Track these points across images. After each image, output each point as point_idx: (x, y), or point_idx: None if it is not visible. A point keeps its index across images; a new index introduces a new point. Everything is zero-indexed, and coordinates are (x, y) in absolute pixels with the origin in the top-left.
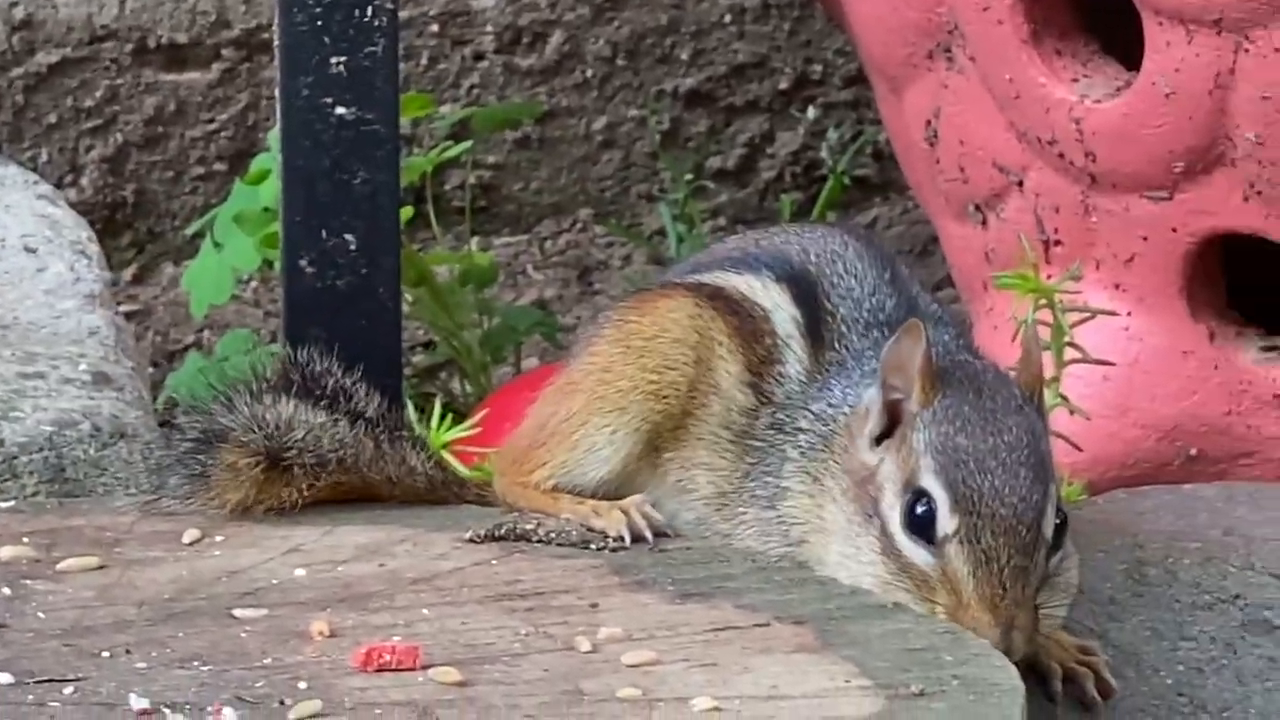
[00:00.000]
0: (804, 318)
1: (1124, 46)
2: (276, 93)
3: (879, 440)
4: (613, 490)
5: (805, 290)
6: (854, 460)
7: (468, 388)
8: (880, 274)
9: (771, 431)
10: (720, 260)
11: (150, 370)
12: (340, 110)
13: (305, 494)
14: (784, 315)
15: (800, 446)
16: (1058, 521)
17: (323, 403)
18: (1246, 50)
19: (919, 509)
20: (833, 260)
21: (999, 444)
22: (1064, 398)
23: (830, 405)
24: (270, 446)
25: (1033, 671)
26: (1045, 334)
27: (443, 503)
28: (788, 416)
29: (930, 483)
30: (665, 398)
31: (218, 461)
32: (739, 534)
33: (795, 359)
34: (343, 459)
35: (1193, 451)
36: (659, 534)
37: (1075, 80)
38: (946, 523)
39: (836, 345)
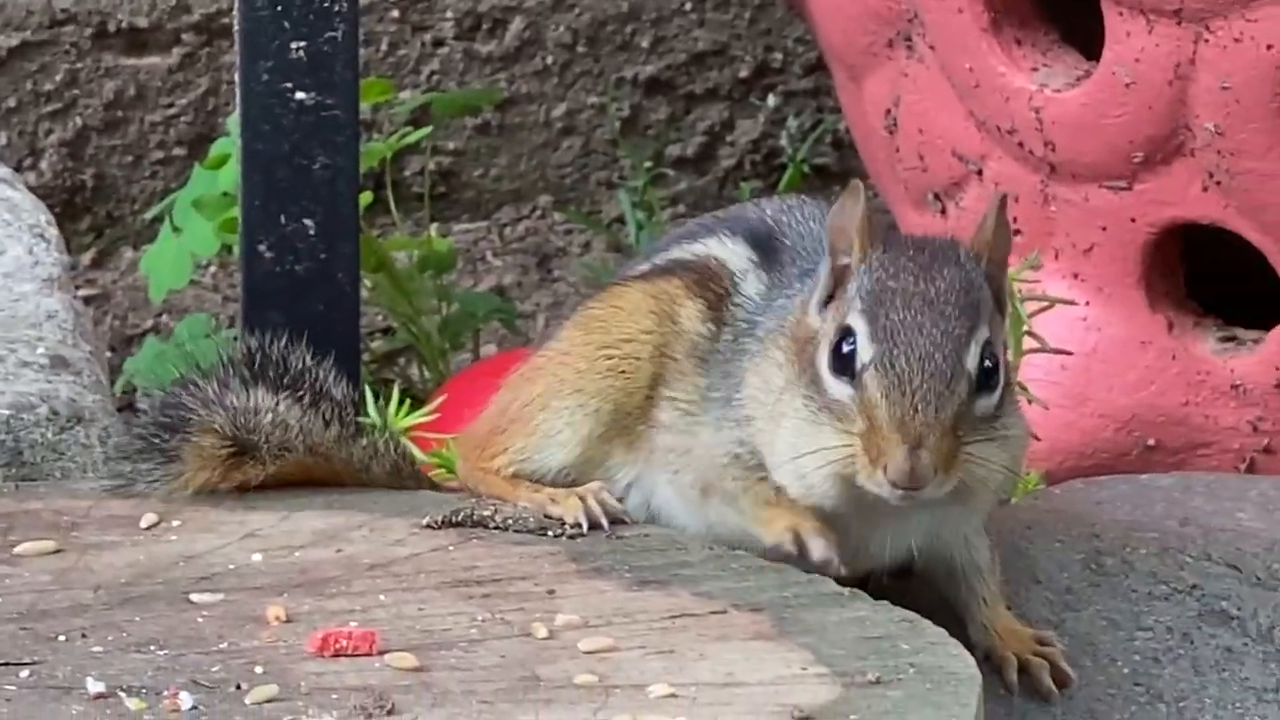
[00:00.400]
0: (759, 255)
1: (1084, 36)
2: (236, 77)
3: (826, 303)
4: (574, 477)
5: (761, 237)
6: (801, 327)
7: (426, 374)
8: None
9: (732, 341)
10: (677, 237)
11: (109, 354)
12: (300, 95)
13: (269, 473)
14: (740, 257)
15: (760, 340)
16: (988, 365)
17: (288, 388)
18: (1206, 40)
19: (844, 347)
20: (789, 210)
21: (929, 288)
22: (1022, 386)
23: (788, 299)
24: (238, 433)
25: (989, 661)
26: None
27: (403, 488)
28: (748, 325)
29: (855, 320)
30: (624, 372)
31: (185, 446)
32: (699, 441)
33: (753, 284)
34: (308, 444)
35: (1150, 441)
36: (616, 521)
37: (1035, 69)
38: (865, 352)
39: (795, 260)
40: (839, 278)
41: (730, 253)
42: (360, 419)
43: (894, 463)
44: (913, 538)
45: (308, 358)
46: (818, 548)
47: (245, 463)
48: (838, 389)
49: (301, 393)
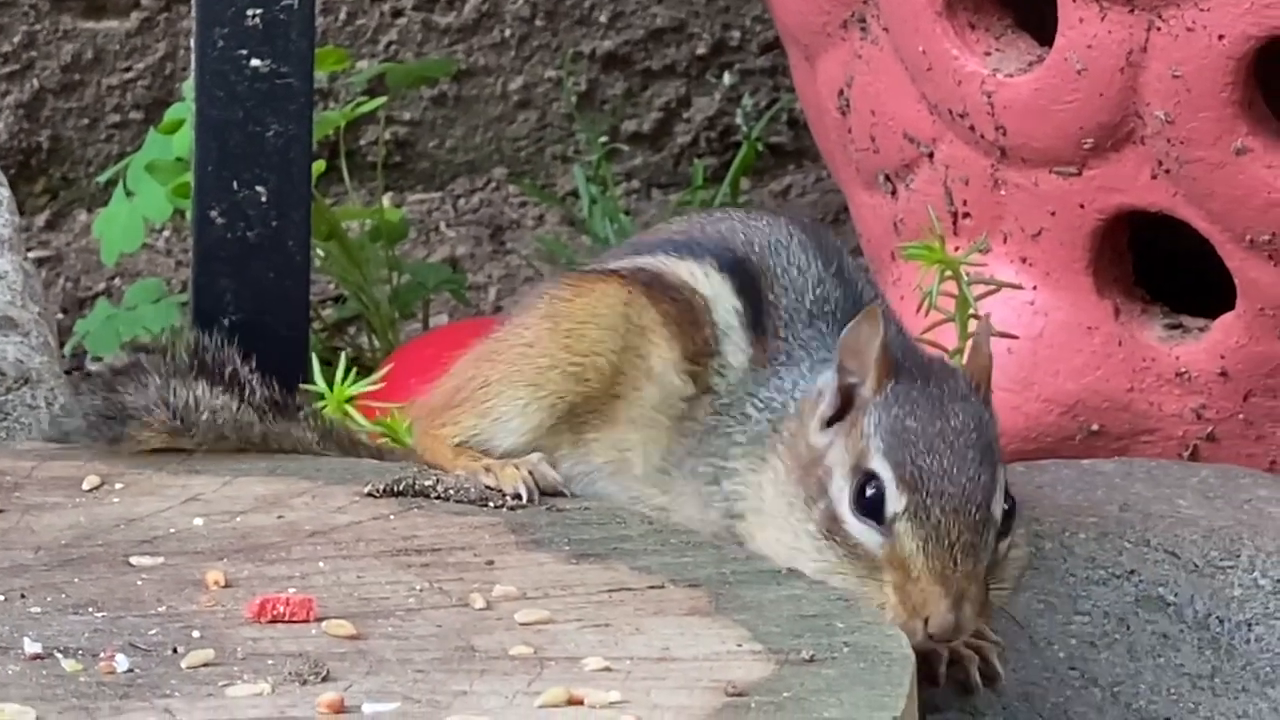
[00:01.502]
0: (745, 309)
1: (1038, 21)
2: (192, 43)
3: (830, 423)
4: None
5: (748, 281)
6: (801, 444)
7: (376, 343)
8: (826, 266)
9: (715, 417)
10: (663, 243)
11: (60, 316)
12: (255, 62)
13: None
14: (725, 306)
15: (747, 432)
16: (1006, 507)
17: (223, 384)
18: (1158, 28)
19: (868, 490)
20: (776, 251)
21: (947, 427)
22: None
23: (779, 392)
24: (176, 427)
25: (919, 652)
26: (950, 305)
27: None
28: (733, 403)
29: (879, 464)
30: (586, 380)
31: (124, 435)
32: (678, 504)
33: (736, 349)
34: (242, 438)
35: (1094, 427)
36: (555, 494)
37: (988, 54)
38: (895, 501)
39: (781, 334)
40: (846, 397)
41: (714, 293)
42: (304, 388)
43: (938, 617)
44: None
45: (238, 357)
46: None
47: (180, 442)
48: (864, 535)
49: (237, 390)
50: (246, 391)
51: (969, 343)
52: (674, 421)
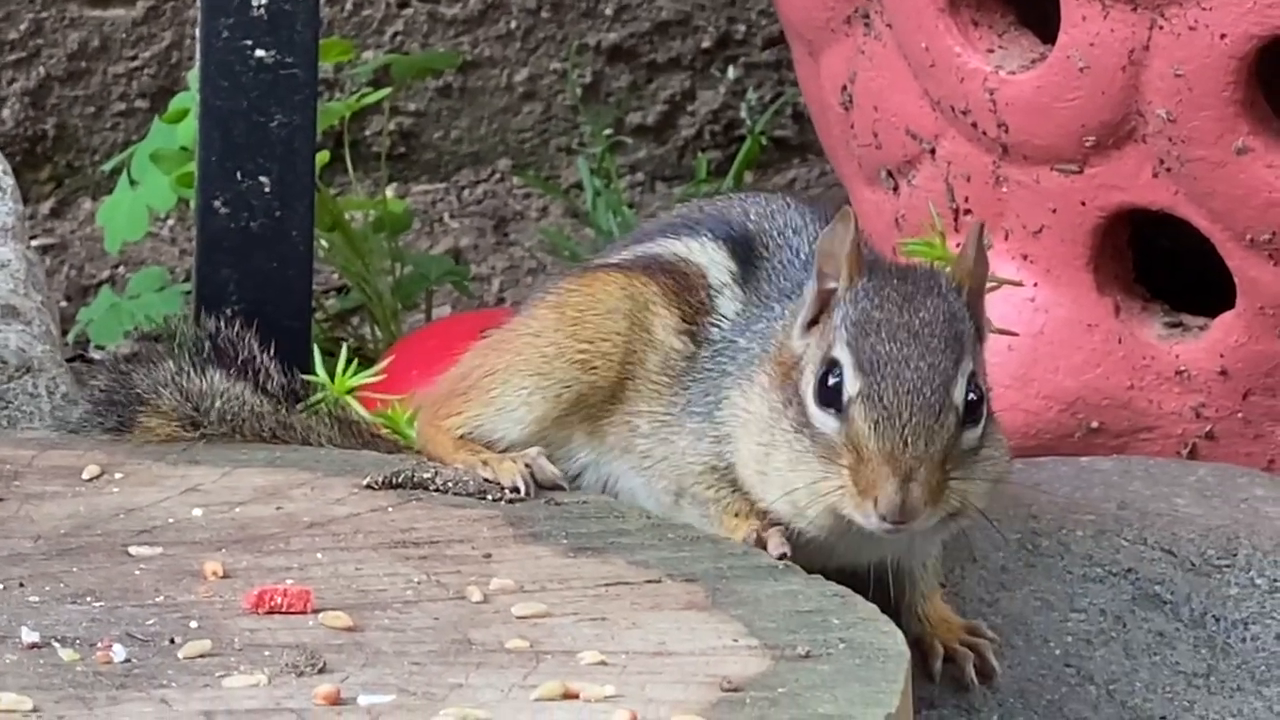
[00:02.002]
0: (739, 268)
1: (1040, 19)
2: (197, 33)
3: (809, 327)
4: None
5: (742, 245)
6: (784, 351)
7: (379, 333)
8: (821, 226)
9: (712, 360)
10: (662, 227)
11: (64, 304)
12: (260, 53)
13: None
14: (719, 268)
15: (738, 361)
16: (972, 397)
17: (237, 371)
18: (1161, 27)
19: (830, 379)
20: (772, 216)
21: (913, 319)
22: None
23: (769, 321)
24: (189, 413)
25: (918, 648)
26: None
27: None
28: (727, 344)
29: (840, 351)
30: (594, 368)
31: (133, 421)
32: (677, 448)
33: (730, 301)
34: (255, 428)
35: (1094, 424)
36: (553, 487)
37: (990, 51)
38: (851, 385)
39: (775, 279)
40: (824, 302)
41: (710, 260)
42: (306, 378)
43: (884, 496)
44: (889, 551)
45: (255, 343)
46: (775, 545)
47: (189, 434)
48: (824, 421)
49: (250, 378)
50: (261, 379)
51: (960, 247)
52: (675, 378)
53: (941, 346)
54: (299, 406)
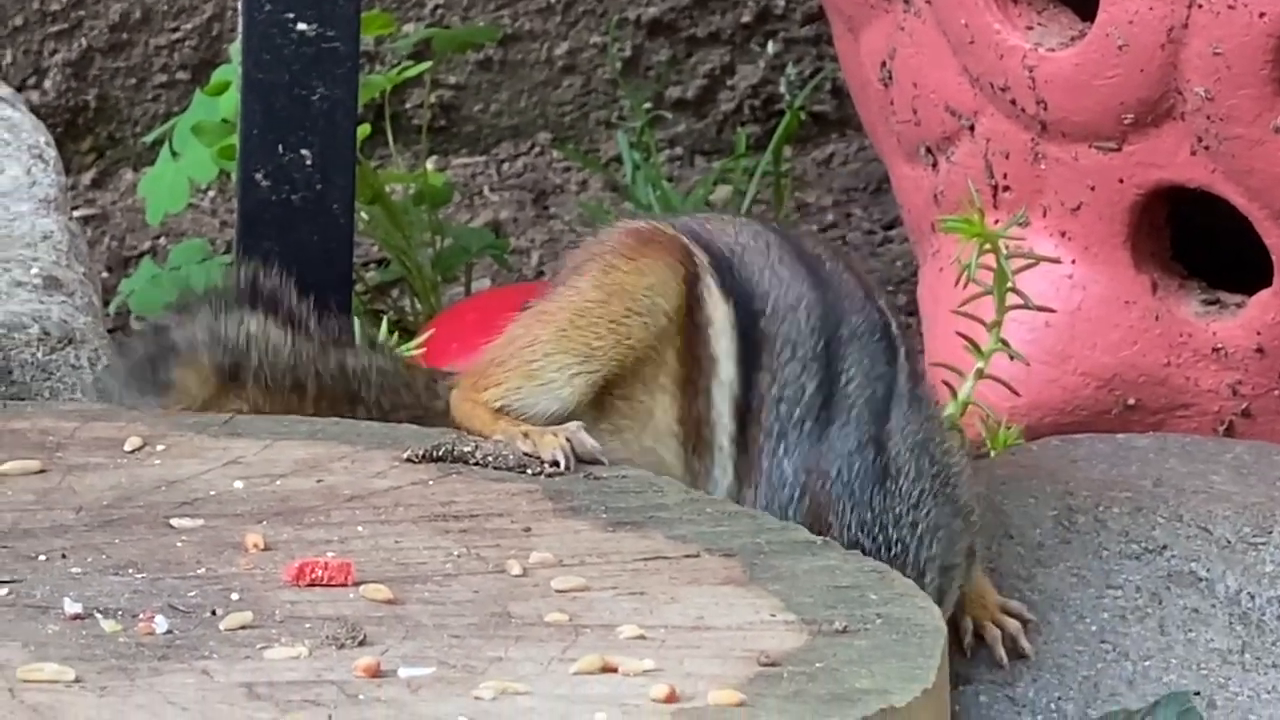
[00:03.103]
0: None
1: None
2: (239, 6)
3: None
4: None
5: (746, 325)
6: None
7: (418, 306)
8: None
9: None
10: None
11: (105, 275)
12: (301, 26)
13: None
14: (727, 365)
15: None
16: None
17: (278, 318)
18: (1200, 5)
19: None
20: (770, 279)
21: None
22: (1004, 342)
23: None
24: (226, 365)
25: (953, 626)
26: (988, 279)
27: (401, 404)
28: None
29: None
30: (632, 347)
31: (174, 375)
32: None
33: (721, 466)
34: (296, 376)
35: (1130, 401)
36: (593, 461)
37: (1030, 28)
38: None
39: (767, 405)
40: None
41: (719, 330)
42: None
43: None
44: None
45: (294, 290)
46: None
47: (232, 393)
48: None
49: (294, 324)
50: (300, 321)
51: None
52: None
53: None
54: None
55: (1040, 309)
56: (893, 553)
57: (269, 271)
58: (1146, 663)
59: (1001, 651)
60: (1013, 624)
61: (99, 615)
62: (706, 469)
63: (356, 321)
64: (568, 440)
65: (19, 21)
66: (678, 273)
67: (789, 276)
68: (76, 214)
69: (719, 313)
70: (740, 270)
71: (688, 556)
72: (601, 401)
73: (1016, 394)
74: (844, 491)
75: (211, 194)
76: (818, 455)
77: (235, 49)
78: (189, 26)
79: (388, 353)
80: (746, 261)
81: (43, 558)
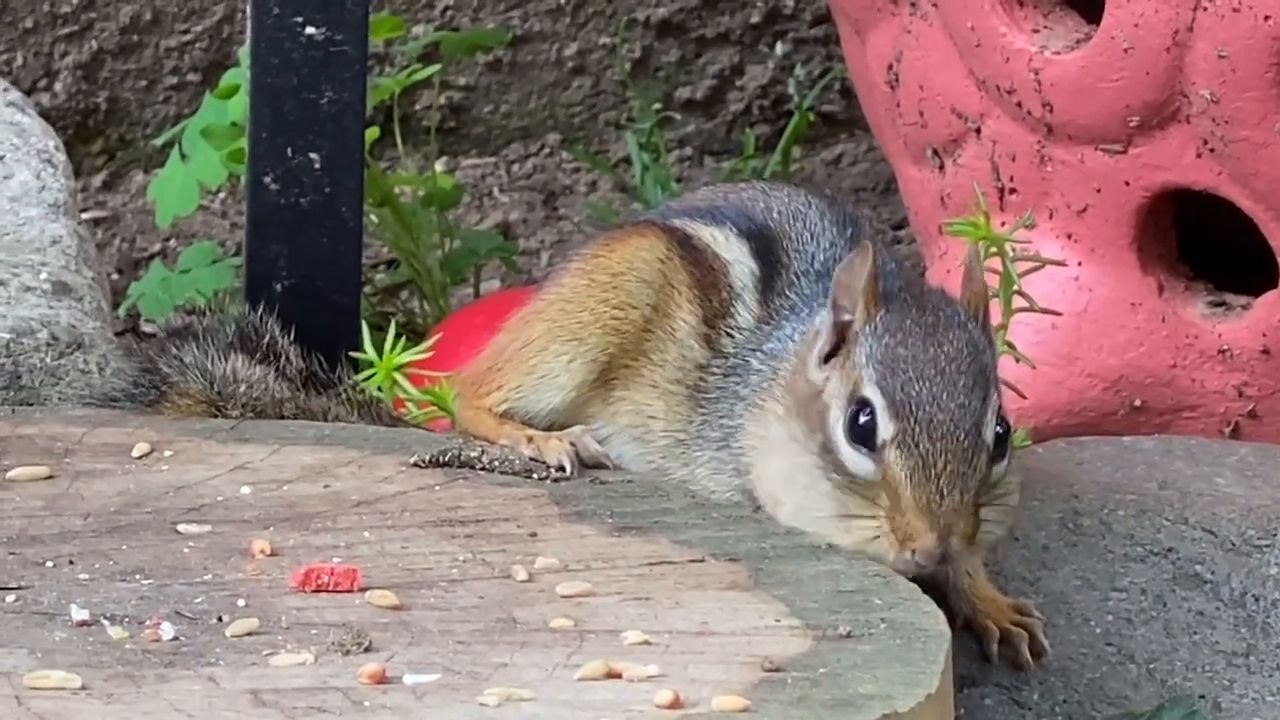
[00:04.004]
0: (760, 271)
1: (1086, 0)
2: (248, 10)
3: (827, 359)
4: (562, 421)
5: (764, 245)
6: (801, 381)
7: (427, 308)
8: (841, 232)
9: (723, 379)
10: (689, 209)
11: (116, 277)
12: (310, 30)
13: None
14: (742, 268)
15: (750, 385)
16: (999, 431)
17: (260, 356)
18: (1205, 8)
19: (862, 418)
20: (794, 218)
21: (938, 354)
22: (1010, 345)
23: (780, 341)
24: (213, 398)
25: (968, 629)
26: (995, 282)
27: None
28: (740, 362)
29: (871, 391)
30: (624, 332)
31: (164, 402)
32: (695, 475)
33: (747, 310)
34: (275, 412)
35: (1137, 402)
36: (597, 466)
37: (1036, 31)
38: (886, 428)
39: (788, 293)
40: (840, 334)
41: (734, 257)
42: (353, 355)
43: (923, 549)
44: None
45: (277, 328)
46: None
47: (215, 414)
48: (857, 463)
49: (274, 359)
50: (282, 363)
51: (962, 270)
52: (690, 393)
53: (969, 384)
54: (329, 389)
55: (1046, 311)
56: None
57: (262, 313)
58: (1152, 665)
59: (1026, 652)
60: (1032, 623)
61: (106, 622)
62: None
63: (365, 326)
64: (572, 445)
65: (29, 24)
66: (658, 245)
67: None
68: (87, 216)
69: (736, 253)
70: (755, 219)
71: (693, 561)
72: (609, 381)
73: (1023, 396)
74: None
75: (222, 196)
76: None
77: (244, 53)
78: (199, 29)
79: (371, 402)
80: (766, 205)
81: (50, 564)
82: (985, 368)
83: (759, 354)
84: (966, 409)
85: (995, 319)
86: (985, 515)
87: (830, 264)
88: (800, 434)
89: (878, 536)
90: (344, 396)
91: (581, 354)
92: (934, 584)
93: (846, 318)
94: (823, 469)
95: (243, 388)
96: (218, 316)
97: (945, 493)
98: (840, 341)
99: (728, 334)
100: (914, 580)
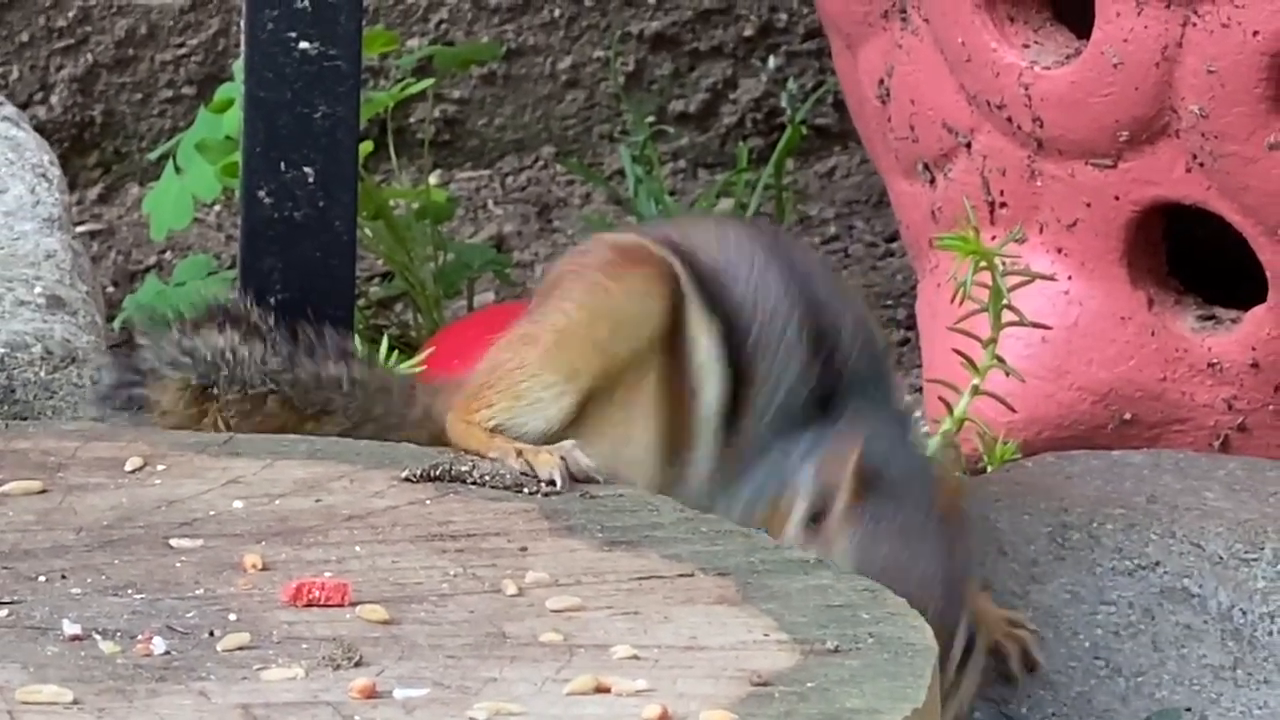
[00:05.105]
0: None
1: (1076, 15)
2: (242, 25)
3: (809, 523)
4: (553, 439)
5: (736, 335)
6: (775, 532)
7: (421, 321)
8: (814, 353)
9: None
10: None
11: (111, 289)
12: (304, 45)
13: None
14: (710, 394)
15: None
16: (964, 643)
17: (246, 329)
18: (1194, 24)
19: None
20: (768, 329)
21: (916, 557)
22: (1000, 359)
23: (749, 486)
24: (196, 382)
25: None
26: (984, 295)
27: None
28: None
29: None
30: (616, 366)
31: (143, 398)
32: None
33: (706, 444)
34: (270, 385)
35: (1127, 416)
36: (588, 480)
37: (1026, 46)
38: None
39: (755, 430)
40: (824, 506)
41: (704, 348)
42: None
43: None
44: None
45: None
46: None
47: (210, 410)
48: None
49: (261, 333)
50: (267, 334)
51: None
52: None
53: (943, 592)
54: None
55: (1036, 325)
56: None
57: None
58: (1139, 679)
59: (1018, 665)
60: (1024, 635)
61: (98, 636)
62: (681, 474)
63: (358, 340)
64: (563, 459)
65: (25, 37)
66: (664, 295)
67: (777, 291)
68: (82, 229)
69: (703, 332)
70: (727, 287)
71: (682, 576)
72: (584, 414)
73: (1013, 410)
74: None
75: (217, 209)
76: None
77: (238, 68)
78: (194, 43)
79: (362, 360)
80: (734, 276)
81: (42, 578)
82: (963, 571)
83: (723, 498)
84: (942, 617)
85: (986, 334)
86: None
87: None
88: None
89: None
90: (340, 360)
91: (572, 388)
92: None
93: (830, 494)
94: None
95: (227, 365)
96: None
97: None
98: (822, 513)
99: (691, 465)
100: None
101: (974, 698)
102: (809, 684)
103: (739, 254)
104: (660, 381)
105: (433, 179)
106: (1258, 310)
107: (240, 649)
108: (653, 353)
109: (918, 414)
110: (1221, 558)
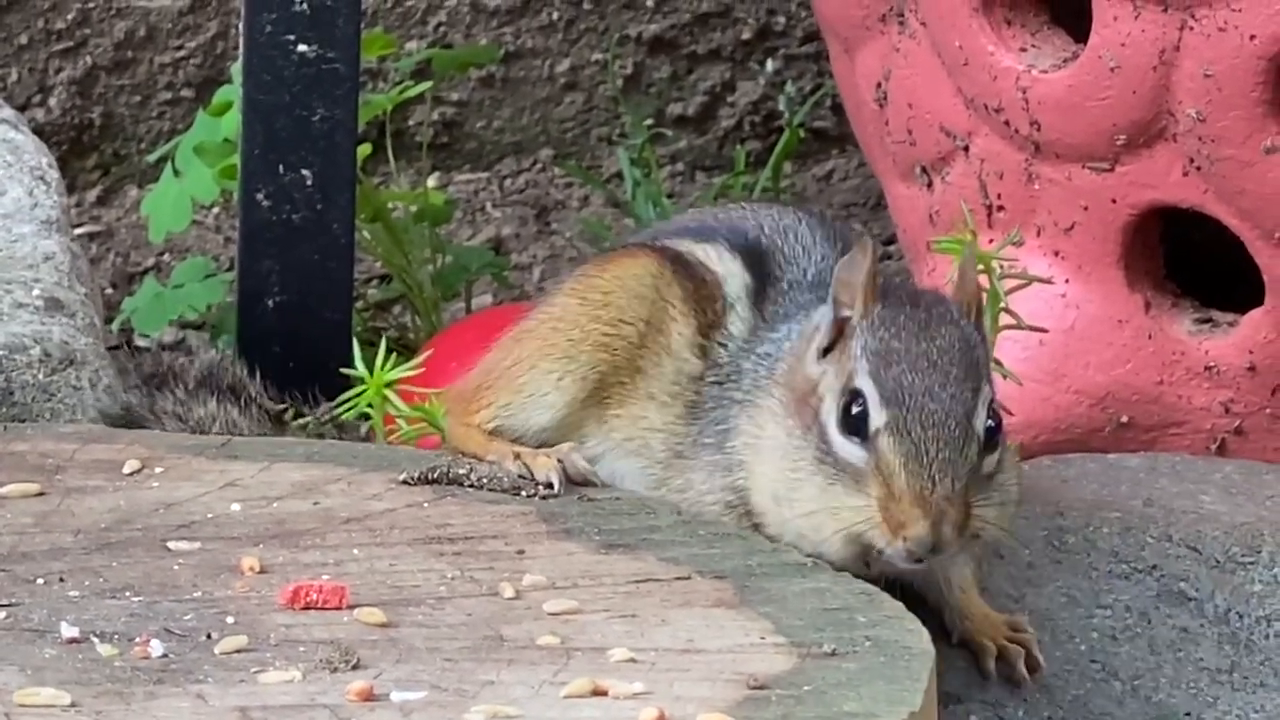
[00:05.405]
0: (752, 284)
1: (1073, 18)
2: (240, 28)
3: (825, 353)
4: (552, 439)
5: (756, 259)
6: (797, 376)
7: (419, 323)
8: (831, 246)
9: (718, 386)
10: (680, 229)
11: (110, 291)
12: (302, 48)
13: None
14: (735, 281)
15: (744, 388)
16: (991, 424)
17: (232, 399)
18: (1191, 28)
19: (854, 408)
20: (785, 233)
21: (931, 347)
22: (998, 362)
23: (773, 344)
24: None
25: (964, 647)
26: (983, 299)
27: None
28: (733, 368)
29: (864, 382)
30: (615, 350)
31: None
32: (692, 482)
33: (740, 319)
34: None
35: (1124, 419)
36: (585, 483)
37: (1023, 50)
38: (877, 417)
39: (781, 300)
40: (839, 329)
41: (727, 271)
42: (345, 371)
43: (915, 537)
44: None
45: (242, 368)
46: None
47: None
48: (849, 450)
49: (237, 400)
50: (244, 402)
51: (955, 272)
52: (687, 408)
53: (961, 375)
54: (323, 411)
55: (1033, 329)
56: None
57: (228, 362)
58: (1136, 682)
59: (1023, 668)
60: (1027, 638)
61: (95, 639)
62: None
63: (356, 343)
64: (560, 462)
65: (24, 40)
66: (650, 263)
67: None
68: (81, 231)
69: (729, 267)
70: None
71: (679, 579)
72: (599, 391)
73: (1010, 413)
74: None
75: (215, 211)
76: None
77: (237, 70)
78: (192, 45)
79: (335, 434)
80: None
81: (41, 581)
82: (976, 361)
83: (752, 357)
84: (958, 399)
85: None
86: (978, 511)
87: (822, 276)
88: (795, 430)
89: (870, 526)
90: (311, 431)
91: (571, 372)
92: (926, 601)
93: (845, 313)
94: (816, 462)
95: (215, 429)
96: (191, 367)
97: (937, 480)
98: (838, 336)
99: (720, 344)
100: (908, 598)
101: (1015, 505)
102: (806, 687)
103: (762, 207)
104: (658, 355)
105: (431, 181)
106: (1255, 313)
107: (238, 651)
108: (653, 329)
109: None
110: (1218, 561)
